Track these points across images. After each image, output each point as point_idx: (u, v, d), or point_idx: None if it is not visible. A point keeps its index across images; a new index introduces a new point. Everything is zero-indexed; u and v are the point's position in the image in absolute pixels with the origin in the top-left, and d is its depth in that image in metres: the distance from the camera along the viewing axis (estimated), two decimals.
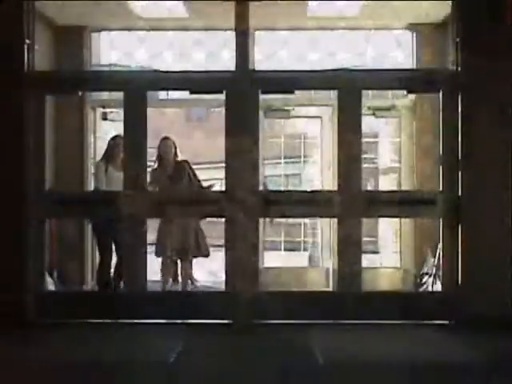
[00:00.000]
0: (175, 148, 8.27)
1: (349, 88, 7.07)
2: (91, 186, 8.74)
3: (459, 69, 6.92)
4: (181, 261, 8.37)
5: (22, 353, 5.80)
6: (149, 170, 7.58)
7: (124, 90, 7.14)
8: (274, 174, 10.43)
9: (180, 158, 8.48)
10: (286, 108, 9.31)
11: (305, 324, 6.84)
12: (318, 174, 9.74)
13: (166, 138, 8.32)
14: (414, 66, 8.86)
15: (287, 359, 5.71)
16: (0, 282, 6.73)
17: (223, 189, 7.17)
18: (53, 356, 5.73)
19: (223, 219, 7.08)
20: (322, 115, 9.51)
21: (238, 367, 5.50)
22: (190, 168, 8.31)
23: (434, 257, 8.04)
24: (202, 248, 8.29)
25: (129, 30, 9.33)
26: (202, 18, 8.61)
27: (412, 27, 8.92)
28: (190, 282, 8.55)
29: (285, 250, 10.04)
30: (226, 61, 8.47)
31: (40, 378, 5.15)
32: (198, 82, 7.23)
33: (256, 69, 7.60)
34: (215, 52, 9.83)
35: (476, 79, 6.80)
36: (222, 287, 7.11)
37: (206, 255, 8.35)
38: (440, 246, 7.29)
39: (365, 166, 7.51)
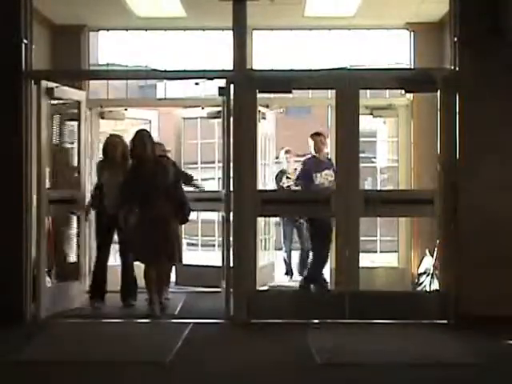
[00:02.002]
0: (152, 141, 7.34)
1: (346, 87, 7.07)
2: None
3: (457, 68, 6.93)
4: (158, 267, 7.40)
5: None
6: None
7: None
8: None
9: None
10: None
11: (303, 323, 6.85)
12: None
13: (141, 130, 7.49)
14: (412, 66, 8.86)
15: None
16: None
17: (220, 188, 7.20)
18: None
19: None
20: None
21: None
22: (175, 166, 7.53)
23: (432, 256, 8.03)
24: (178, 255, 7.50)
25: (127, 29, 9.32)
26: (200, 17, 8.61)
27: (410, 26, 8.92)
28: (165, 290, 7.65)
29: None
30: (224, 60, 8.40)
31: None
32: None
33: (254, 68, 7.60)
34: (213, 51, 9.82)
35: (474, 78, 6.80)
36: None
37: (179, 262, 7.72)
38: (438, 245, 7.30)
39: (363, 165, 7.49)
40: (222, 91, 7.14)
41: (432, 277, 7.90)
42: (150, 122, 9.41)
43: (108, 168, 7.76)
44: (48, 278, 7.42)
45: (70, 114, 7.92)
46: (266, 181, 9.07)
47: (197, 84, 7.50)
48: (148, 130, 8.07)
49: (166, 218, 7.19)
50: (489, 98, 6.78)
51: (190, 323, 6.82)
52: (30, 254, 6.96)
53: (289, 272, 9.99)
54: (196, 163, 9.44)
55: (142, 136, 7.27)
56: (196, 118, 9.19)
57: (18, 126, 6.89)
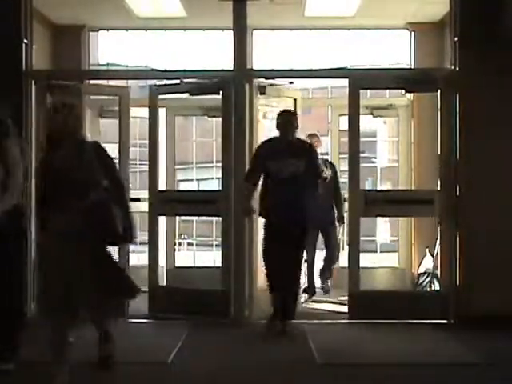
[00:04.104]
0: (78, 117, 4.89)
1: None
2: None
3: (457, 68, 6.92)
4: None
5: None
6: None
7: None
8: None
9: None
10: None
11: (304, 323, 6.84)
12: None
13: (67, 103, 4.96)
14: (412, 66, 8.85)
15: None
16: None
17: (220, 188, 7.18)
18: None
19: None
20: None
21: None
22: (103, 152, 4.79)
23: (433, 256, 8.03)
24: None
25: (127, 29, 9.32)
26: (200, 17, 8.60)
27: (410, 26, 8.91)
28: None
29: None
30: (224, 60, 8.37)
31: None
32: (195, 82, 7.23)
33: (254, 68, 7.60)
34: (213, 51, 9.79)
35: (474, 78, 6.80)
36: None
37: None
38: (438, 245, 7.30)
39: (363, 165, 7.50)
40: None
41: (432, 277, 7.90)
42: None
43: None
44: None
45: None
46: None
47: (182, 82, 7.45)
48: None
49: (90, 238, 4.55)
50: (489, 98, 6.77)
51: (190, 323, 6.83)
52: (31, 255, 6.95)
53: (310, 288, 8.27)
54: None
55: (63, 107, 4.81)
56: None
57: (18, 126, 6.87)
